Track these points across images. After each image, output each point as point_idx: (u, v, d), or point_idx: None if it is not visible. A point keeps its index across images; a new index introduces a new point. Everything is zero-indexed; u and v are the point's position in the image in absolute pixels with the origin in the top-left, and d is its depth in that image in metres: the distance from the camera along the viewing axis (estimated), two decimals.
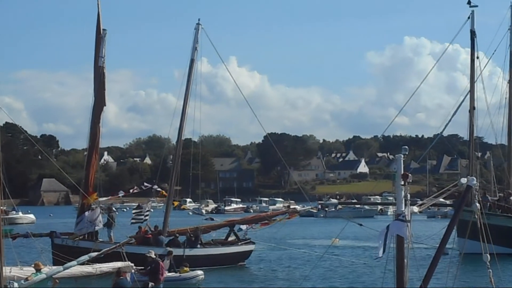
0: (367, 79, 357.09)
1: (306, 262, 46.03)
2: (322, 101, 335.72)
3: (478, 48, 51.20)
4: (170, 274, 35.72)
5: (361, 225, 41.93)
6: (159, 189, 46.27)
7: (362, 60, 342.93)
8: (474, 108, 50.76)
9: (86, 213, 41.12)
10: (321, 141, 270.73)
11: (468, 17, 50.61)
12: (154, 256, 30.54)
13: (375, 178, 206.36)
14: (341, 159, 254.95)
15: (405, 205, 13.14)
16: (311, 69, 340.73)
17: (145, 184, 48.04)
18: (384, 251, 13.10)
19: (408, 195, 13.15)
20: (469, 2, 50.30)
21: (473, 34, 51.09)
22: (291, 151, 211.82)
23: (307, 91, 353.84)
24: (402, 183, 13.25)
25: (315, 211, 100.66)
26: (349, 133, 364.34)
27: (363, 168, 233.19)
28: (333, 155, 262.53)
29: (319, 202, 63.09)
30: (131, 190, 48.63)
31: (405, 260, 13.04)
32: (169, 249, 38.42)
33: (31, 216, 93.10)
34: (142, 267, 30.52)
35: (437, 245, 14.01)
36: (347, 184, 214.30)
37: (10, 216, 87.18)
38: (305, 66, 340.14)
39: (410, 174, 13.28)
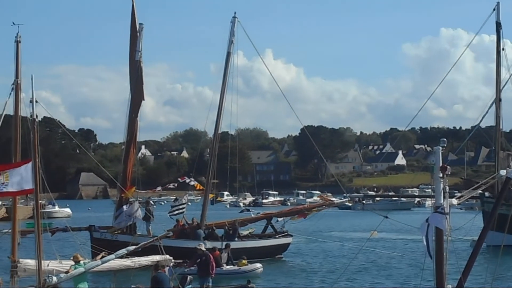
0: (403, 71, 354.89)
1: (343, 255, 45.90)
2: (358, 93, 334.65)
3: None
4: (228, 267, 35.80)
5: (386, 217, 42.21)
6: (194, 182, 46.28)
7: (398, 52, 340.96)
8: (500, 99, 50.45)
9: (125, 207, 41.31)
10: (358, 133, 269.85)
11: (494, 9, 50.20)
12: (204, 249, 30.34)
13: (413, 170, 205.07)
14: (378, 152, 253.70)
15: (444, 197, 13.02)
16: (347, 62, 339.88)
17: (180, 179, 48.16)
18: (430, 252, 13.01)
19: (447, 188, 13.03)
20: None
21: (498, 26, 50.71)
22: (328, 144, 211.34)
23: (343, 83, 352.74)
24: (441, 175, 13.12)
25: (350, 204, 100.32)
26: (386, 125, 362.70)
27: (400, 160, 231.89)
28: (370, 147, 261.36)
29: (345, 195, 62.95)
30: (168, 186, 48.91)
31: (444, 253, 12.92)
32: (227, 242, 38.54)
33: (68, 210, 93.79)
34: (181, 260, 30.51)
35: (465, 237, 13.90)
36: (384, 176, 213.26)
37: (46, 210, 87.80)
38: (341, 58, 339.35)
39: (448, 167, 13.15)
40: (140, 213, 41.10)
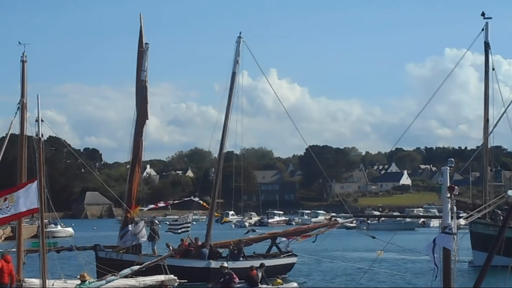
0: (407, 91, 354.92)
1: (348, 275, 45.70)
2: (362, 113, 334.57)
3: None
4: (263, 286, 35.66)
5: (374, 237, 42.69)
6: (200, 201, 46.22)
7: (402, 72, 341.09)
8: (488, 120, 50.36)
9: (130, 226, 41.19)
10: (363, 153, 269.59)
11: (482, 29, 49.96)
12: (228, 268, 30.15)
13: (418, 190, 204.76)
14: (383, 171, 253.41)
15: (451, 217, 12.98)
16: (352, 81, 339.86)
17: (184, 199, 48.24)
18: (437, 274, 12.97)
19: (455, 208, 12.99)
20: (483, 14, 49.78)
21: (487, 46, 50.40)
22: (333, 164, 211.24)
23: (348, 103, 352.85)
24: (449, 195, 13.08)
25: (352, 224, 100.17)
26: (391, 145, 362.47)
27: (405, 180, 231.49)
28: (375, 167, 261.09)
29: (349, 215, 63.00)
30: (170, 201, 48.91)
31: (452, 273, 12.87)
32: (262, 261, 38.41)
33: (70, 229, 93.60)
34: (185, 280, 30.43)
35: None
36: (389, 196, 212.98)
37: (49, 229, 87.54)
38: (346, 78, 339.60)
39: (456, 187, 13.11)
40: (145, 233, 40.94)
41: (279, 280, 36.57)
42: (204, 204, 46.39)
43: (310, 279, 44.69)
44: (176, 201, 48.54)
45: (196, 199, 46.40)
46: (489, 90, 50.88)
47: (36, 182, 20.68)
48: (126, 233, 41.18)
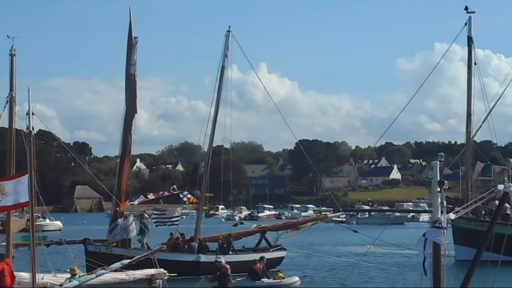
0: (397, 85, 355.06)
1: (337, 269, 45.75)
2: (352, 107, 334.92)
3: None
4: (266, 280, 35.69)
5: (356, 231, 44.33)
6: (188, 196, 46.02)
7: (393, 67, 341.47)
8: (470, 115, 50.39)
9: (119, 220, 41.14)
10: (353, 147, 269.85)
11: (465, 23, 49.84)
12: (223, 262, 30.14)
13: (408, 184, 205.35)
14: (373, 166, 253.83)
15: (441, 212, 12.97)
16: (342, 76, 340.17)
17: (173, 188, 48.03)
18: (425, 270, 12.99)
19: (445, 202, 12.98)
20: (466, 8, 49.70)
21: (470, 40, 50.26)
22: (323, 158, 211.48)
23: (338, 97, 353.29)
24: (439, 189, 13.06)
25: (340, 219, 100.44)
26: (381, 139, 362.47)
27: (395, 174, 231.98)
28: (365, 161, 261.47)
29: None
30: (160, 193, 48.78)
31: (442, 268, 12.85)
32: (261, 254, 38.43)
33: (59, 223, 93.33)
34: (175, 274, 30.37)
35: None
36: (379, 190, 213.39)
37: (37, 223, 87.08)
38: (336, 72, 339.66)
39: (446, 181, 13.11)
40: (134, 227, 40.81)
41: (280, 274, 36.56)
42: (192, 199, 45.99)
43: (298, 273, 44.68)
44: (166, 193, 48.35)
45: (186, 193, 46.20)
46: (479, 84, 50.84)
47: (27, 176, 20.60)
48: (116, 227, 41.17)
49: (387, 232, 51.31)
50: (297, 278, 37.16)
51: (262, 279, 35.70)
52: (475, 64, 50.67)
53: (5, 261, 25.63)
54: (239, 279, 35.28)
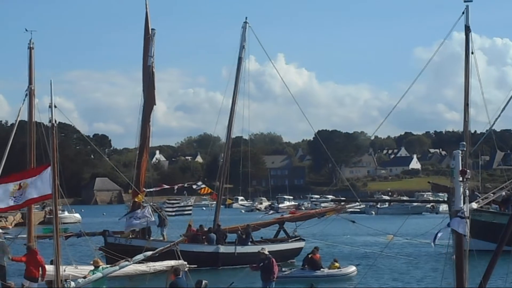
0: (415, 75, 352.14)
1: (355, 259, 45.63)
2: (370, 97, 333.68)
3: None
4: (326, 270, 35.94)
5: (354, 222, 44.67)
6: (202, 186, 45.87)
7: (410, 56, 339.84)
8: (467, 104, 50.28)
9: (138, 211, 41.12)
10: (372, 137, 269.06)
11: (463, 12, 49.61)
12: (267, 253, 29.88)
13: (427, 174, 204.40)
14: (392, 156, 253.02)
15: (464, 201, 12.86)
16: (360, 66, 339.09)
17: (187, 184, 48.28)
18: (434, 241, 12.99)
19: (467, 191, 12.87)
20: None
21: (467, 29, 50.03)
22: (342, 148, 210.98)
23: (356, 88, 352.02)
24: (461, 179, 12.96)
25: (357, 209, 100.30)
26: (398, 129, 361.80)
27: (415, 164, 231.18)
28: (385, 151, 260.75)
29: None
30: (175, 186, 48.92)
31: (465, 257, 12.76)
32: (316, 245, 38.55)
33: (77, 215, 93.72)
34: (195, 265, 30.28)
35: None
36: (399, 180, 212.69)
37: None
38: (353, 62, 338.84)
39: (468, 170, 13.00)
40: (150, 217, 40.46)
41: (336, 264, 36.49)
42: (205, 189, 45.83)
43: None
44: (180, 185, 48.51)
45: (200, 182, 46.20)
46: (497, 73, 50.77)
47: (49, 168, 20.63)
48: (131, 217, 40.97)
49: (406, 222, 50.81)
50: (354, 268, 37.17)
51: (322, 269, 35.77)
52: (472, 53, 50.59)
53: (31, 253, 25.82)
54: (293, 269, 35.53)
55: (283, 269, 36.16)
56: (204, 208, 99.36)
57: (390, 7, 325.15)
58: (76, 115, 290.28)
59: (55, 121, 20.45)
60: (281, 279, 34.00)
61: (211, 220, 44.08)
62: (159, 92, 42.99)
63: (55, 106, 20.58)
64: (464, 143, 13.76)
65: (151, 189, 44.85)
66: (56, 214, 20.70)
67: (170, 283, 23.19)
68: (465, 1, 49.34)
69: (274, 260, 29.33)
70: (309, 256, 36.11)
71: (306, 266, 36.03)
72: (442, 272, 14.37)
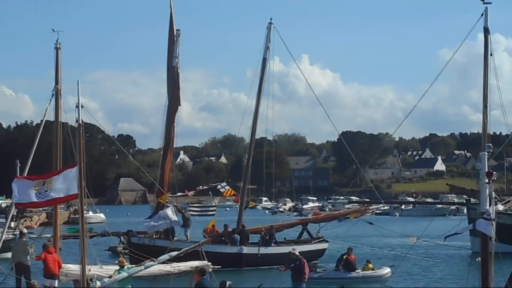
0: (440, 76, 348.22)
1: (382, 260, 45.49)
2: (395, 98, 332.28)
3: None
4: (361, 272, 35.88)
5: (371, 223, 44.46)
6: (226, 187, 45.82)
7: (435, 58, 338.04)
8: (486, 106, 50.26)
9: (160, 212, 41.04)
10: (397, 139, 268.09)
11: (482, 14, 49.64)
12: (298, 254, 29.55)
13: (452, 176, 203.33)
14: (417, 157, 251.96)
15: (490, 203, 12.79)
16: (384, 67, 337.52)
17: (211, 185, 48.44)
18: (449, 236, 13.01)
19: (493, 193, 12.80)
20: None
21: (486, 31, 50.10)
22: (366, 149, 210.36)
23: (380, 89, 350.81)
24: (487, 181, 12.88)
25: (381, 210, 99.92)
26: (423, 130, 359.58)
27: (440, 166, 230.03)
28: (409, 153, 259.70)
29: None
30: (198, 188, 49.03)
31: (491, 259, 12.69)
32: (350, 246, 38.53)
33: (101, 215, 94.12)
34: (219, 266, 30.31)
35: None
36: (423, 182, 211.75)
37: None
38: (378, 64, 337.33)
39: (494, 172, 12.93)
40: (173, 217, 40.27)
41: (370, 265, 36.38)
42: (229, 191, 45.79)
43: None
44: (205, 187, 48.72)
45: (224, 183, 46.21)
46: None
47: (76, 168, 20.73)
48: (154, 218, 40.77)
49: (428, 224, 50.60)
50: (388, 269, 37.03)
51: (357, 270, 35.71)
52: (491, 55, 50.68)
53: (47, 250, 25.99)
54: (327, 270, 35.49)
55: (317, 270, 36.11)
56: (227, 208, 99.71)
57: (416, 8, 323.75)
58: (100, 115, 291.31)
59: (82, 121, 20.56)
60: (315, 280, 34.03)
61: (234, 221, 44.13)
62: (184, 92, 43.16)
63: (82, 106, 20.68)
64: (490, 144, 13.71)
65: (177, 195, 45.03)
66: (82, 214, 20.81)
67: (196, 283, 23.26)
68: (484, 3, 49.63)
69: (305, 261, 29.11)
70: (344, 257, 35.90)
71: (340, 267, 35.82)
72: (467, 273, 14.30)
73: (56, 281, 25.64)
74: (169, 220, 39.91)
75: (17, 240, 28.60)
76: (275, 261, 39.58)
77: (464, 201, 50.27)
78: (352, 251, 36.68)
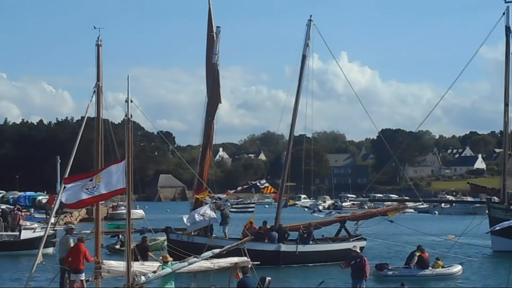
0: (479, 74, 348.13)
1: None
2: (433, 96, 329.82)
3: None
4: (435, 270, 35.78)
5: (392, 221, 44.27)
6: (266, 185, 45.81)
7: (475, 55, 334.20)
8: (507, 104, 50.38)
9: (198, 209, 41.06)
10: (436, 136, 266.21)
11: (503, 13, 49.85)
12: (359, 251, 28.88)
13: (492, 174, 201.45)
14: (457, 155, 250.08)
15: None
16: (423, 65, 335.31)
17: (250, 183, 48.66)
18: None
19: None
20: None
21: (507, 30, 50.18)
22: (406, 147, 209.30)
23: (419, 86, 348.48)
24: None
25: (421, 208, 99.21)
26: (463, 129, 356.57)
27: (480, 164, 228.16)
28: (449, 151, 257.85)
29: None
30: (239, 188, 49.25)
31: None
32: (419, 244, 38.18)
33: (140, 211, 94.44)
34: (258, 262, 30.50)
35: None
36: (463, 180, 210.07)
37: (119, 211, 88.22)
38: (416, 61, 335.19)
39: None
40: (210, 214, 40.12)
41: (440, 262, 36.24)
42: (269, 189, 45.86)
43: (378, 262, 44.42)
44: (245, 186, 48.94)
45: (263, 181, 46.28)
46: None
47: (123, 162, 20.98)
48: (192, 216, 40.77)
49: (460, 222, 50.46)
50: (459, 267, 36.94)
51: (430, 268, 35.67)
52: None
53: (75, 245, 26.48)
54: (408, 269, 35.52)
55: (389, 267, 35.99)
56: (267, 206, 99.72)
57: (456, 5, 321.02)
58: (139, 111, 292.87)
59: (131, 115, 20.82)
60: (390, 278, 34.02)
61: (273, 218, 44.23)
62: (222, 89, 43.16)
63: (131, 101, 20.95)
64: None
65: (219, 195, 45.29)
66: (129, 209, 21.03)
67: (238, 282, 23.46)
68: (506, 2, 49.75)
69: (366, 258, 28.38)
70: (417, 254, 35.66)
71: (411, 264, 35.70)
72: (507, 273, 14.35)
73: (83, 275, 25.94)
74: (208, 218, 39.97)
75: (64, 237, 29.03)
76: (313, 259, 39.67)
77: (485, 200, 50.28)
78: (423, 248, 36.45)
